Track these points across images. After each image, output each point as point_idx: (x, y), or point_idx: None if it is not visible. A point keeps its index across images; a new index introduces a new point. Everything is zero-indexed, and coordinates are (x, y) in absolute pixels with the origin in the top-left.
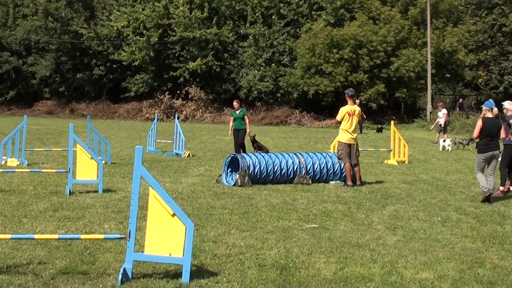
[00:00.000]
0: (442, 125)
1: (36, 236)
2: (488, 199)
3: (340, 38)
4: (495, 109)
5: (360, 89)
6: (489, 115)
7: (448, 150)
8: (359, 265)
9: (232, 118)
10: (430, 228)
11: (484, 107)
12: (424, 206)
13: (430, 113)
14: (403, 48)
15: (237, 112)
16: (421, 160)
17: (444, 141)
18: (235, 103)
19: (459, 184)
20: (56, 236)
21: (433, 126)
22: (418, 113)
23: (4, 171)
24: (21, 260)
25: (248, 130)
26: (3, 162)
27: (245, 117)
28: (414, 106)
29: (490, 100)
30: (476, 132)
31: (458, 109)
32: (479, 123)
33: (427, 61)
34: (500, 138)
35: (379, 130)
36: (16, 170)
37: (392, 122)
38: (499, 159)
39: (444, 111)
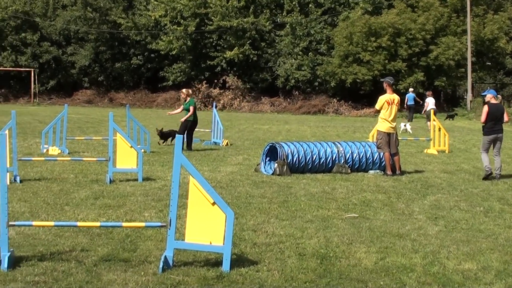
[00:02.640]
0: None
1: (78, 223)
2: (488, 177)
3: (378, 26)
4: (499, 96)
5: (398, 78)
6: (493, 101)
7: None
8: (400, 255)
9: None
10: (472, 218)
11: (489, 95)
12: (466, 196)
13: (471, 101)
14: (442, 36)
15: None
16: (462, 150)
17: (405, 125)
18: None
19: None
20: (98, 224)
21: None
22: (458, 101)
23: (46, 160)
24: (64, 247)
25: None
26: (44, 150)
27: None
28: (454, 95)
29: (492, 89)
30: (483, 117)
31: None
32: (486, 109)
33: (467, 49)
34: (504, 121)
35: (451, 117)
36: (58, 158)
37: (431, 111)
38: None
39: (431, 100)
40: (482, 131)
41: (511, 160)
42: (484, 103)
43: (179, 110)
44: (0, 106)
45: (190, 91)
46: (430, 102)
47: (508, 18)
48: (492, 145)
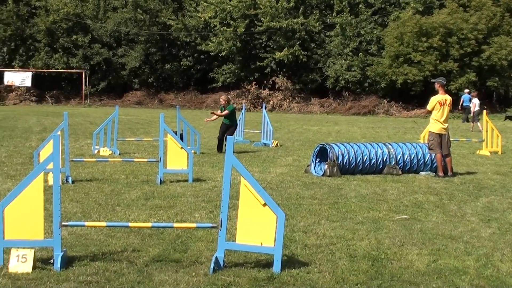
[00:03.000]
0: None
1: (130, 224)
2: None
3: (429, 26)
4: None
5: (450, 78)
6: None
7: None
8: (453, 257)
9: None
10: None
11: None
12: None
13: None
14: (495, 36)
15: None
16: None
17: None
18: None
19: None
20: (149, 224)
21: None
22: (511, 102)
23: (97, 161)
24: (116, 247)
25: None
26: (96, 151)
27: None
28: (506, 95)
29: None
30: None
31: None
32: None
33: None
34: None
35: (510, 118)
36: (109, 159)
37: (484, 112)
38: None
39: (477, 100)
40: None
41: None
42: None
43: (214, 117)
44: (51, 107)
45: (229, 97)
46: (476, 103)
47: None
48: None
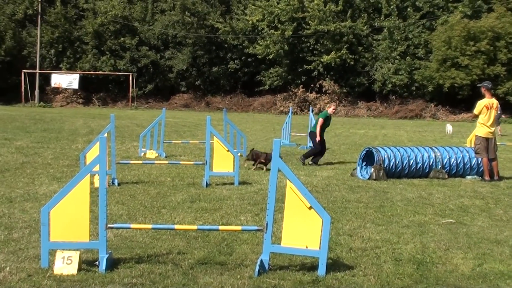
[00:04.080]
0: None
1: (176, 226)
2: None
3: (477, 30)
4: None
5: (497, 82)
6: None
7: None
8: (498, 261)
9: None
10: None
11: None
12: None
13: None
14: None
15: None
16: None
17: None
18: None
19: None
20: (195, 227)
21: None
22: None
23: (143, 163)
24: (161, 249)
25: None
26: (142, 154)
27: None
28: None
29: None
30: None
31: None
32: None
33: None
34: None
35: None
36: (155, 162)
37: None
38: None
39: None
40: None
41: None
42: None
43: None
44: (98, 109)
45: (329, 104)
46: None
47: None
48: None
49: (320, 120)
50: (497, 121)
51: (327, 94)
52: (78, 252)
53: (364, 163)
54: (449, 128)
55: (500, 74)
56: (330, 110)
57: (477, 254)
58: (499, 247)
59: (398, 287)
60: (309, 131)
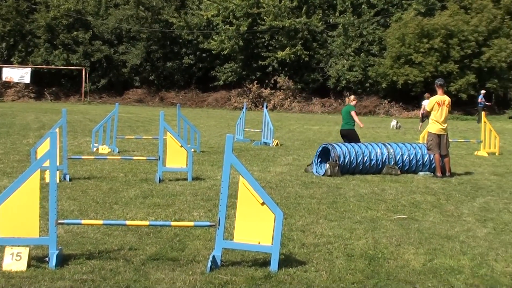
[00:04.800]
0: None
1: (127, 222)
2: None
3: (430, 27)
4: None
5: (450, 80)
6: None
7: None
8: (448, 257)
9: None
10: None
11: None
12: None
13: None
14: (495, 38)
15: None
16: None
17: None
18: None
19: None
20: (147, 223)
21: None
22: (510, 104)
23: (96, 158)
24: (113, 245)
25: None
26: (94, 149)
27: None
28: (505, 97)
29: None
30: None
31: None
32: None
33: None
34: None
35: None
36: (108, 157)
37: (483, 113)
38: None
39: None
40: None
41: None
42: None
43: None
44: (51, 104)
45: (347, 99)
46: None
47: None
48: None
49: (354, 112)
50: (423, 119)
51: (282, 90)
52: (28, 248)
53: (319, 159)
54: (393, 123)
55: (453, 71)
56: (353, 103)
57: (428, 250)
58: (449, 243)
59: (349, 282)
60: (341, 129)
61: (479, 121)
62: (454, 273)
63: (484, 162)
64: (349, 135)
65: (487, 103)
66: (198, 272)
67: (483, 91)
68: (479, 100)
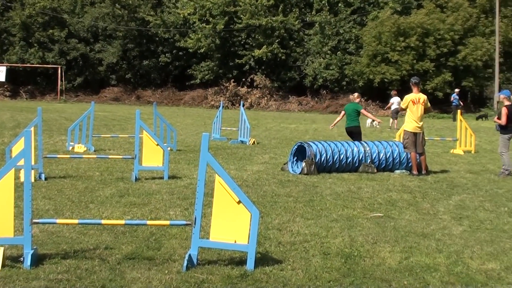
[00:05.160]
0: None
1: (103, 221)
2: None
3: (406, 26)
4: None
5: (426, 78)
6: (507, 102)
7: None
8: (424, 254)
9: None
10: (497, 218)
11: (502, 96)
12: (491, 196)
13: (497, 102)
14: (471, 37)
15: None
16: (488, 150)
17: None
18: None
19: None
20: (122, 222)
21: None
22: (485, 102)
23: (71, 157)
24: (88, 245)
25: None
26: (70, 148)
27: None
28: (481, 96)
29: (506, 89)
30: (504, 120)
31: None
32: (505, 111)
33: (494, 49)
34: None
35: (484, 117)
36: (83, 156)
37: (458, 111)
38: None
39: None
40: (499, 131)
41: None
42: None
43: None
44: (26, 103)
45: (351, 96)
46: (395, 102)
47: None
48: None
49: (364, 110)
50: (394, 115)
51: (259, 89)
52: (2, 248)
53: (295, 158)
54: (369, 121)
55: (429, 69)
56: (357, 100)
57: (404, 248)
58: (425, 241)
59: (325, 280)
60: (348, 126)
61: (454, 119)
62: (430, 271)
63: (460, 160)
64: (356, 132)
65: (461, 102)
66: (174, 271)
67: (457, 90)
68: (451, 99)
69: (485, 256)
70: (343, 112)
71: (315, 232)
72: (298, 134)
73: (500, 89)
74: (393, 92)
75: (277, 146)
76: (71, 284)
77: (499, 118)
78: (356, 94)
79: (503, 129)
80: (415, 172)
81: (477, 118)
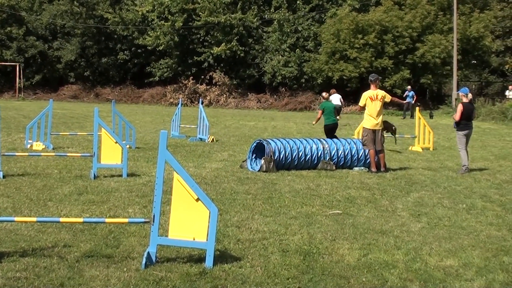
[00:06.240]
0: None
1: (61, 219)
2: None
3: (365, 23)
4: (470, 95)
5: (385, 75)
6: (465, 100)
7: None
8: (383, 251)
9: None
10: (455, 215)
11: (460, 93)
12: (449, 193)
13: (456, 99)
14: (429, 34)
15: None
16: (446, 147)
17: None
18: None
19: (484, 171)
20: (81, 220)
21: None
22: (443, 99)
23: (29, 155)
24: (46, 243)
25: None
26: (28, 146)
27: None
28: (439, 93)
29: (465, 87)
30: (458, 116)
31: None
32: (460, 107)
33: (453, 47)
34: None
35: (431, 116)
36: (42, 154)
37: (417, 108)
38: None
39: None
40: (455, 127)
41: (493, 158)
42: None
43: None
44: None
45: (326, 94)
46: (334, 99)
47: (494, 17)
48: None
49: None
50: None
51: (217, 86)
52: None
53: (254, 155)
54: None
55: (387, 67)
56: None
57: (363, 245)
58: (384, 237)
59: (284, 278)
60: (328, 123)
61: (411, 116)
62: (389, 267)
63: (418, 157)
64: (335, 129)
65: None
66: (133, 269)
67: (409, 87)
68: (404, 95)
69: (443, 253)
70: (321, 111)
71: (274, 229)
72: (257, 131)
73: (458, 86)
74: (332, 91)
75: (236, 144)
76: (30, 282)
77: None
78: (324, 94)
79: (458, 125)
80: (373, 169)
81: (430, 117)
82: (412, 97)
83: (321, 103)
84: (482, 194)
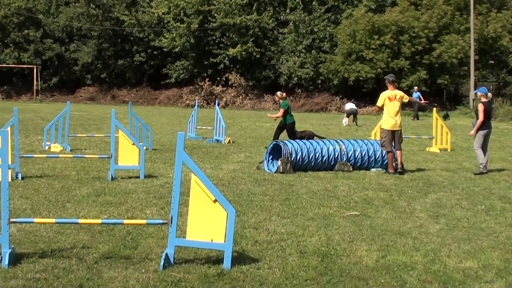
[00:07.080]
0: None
1: (80, 220)
2: (482, 174)
3: (381, 24)
4: (489, 94)
5: (401, 76)
6: (484, 99)
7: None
8: (401, 253)
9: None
10: (474, 216)
11: (479, 93)
12: (468, 194)
13: (473, 100)
14: (446, 34)
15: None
16: (464, 148)
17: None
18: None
19: (502, 172)
20: (99, 221)
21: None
22: (461, 100)
23: (48, 157)
24: (65, 244)
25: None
26: (46, 147)
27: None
28: (456, 93)
29: (483, 87)
30: (481, 115)
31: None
32: (482, 107)
33: (470, 47)
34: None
35: (446, 117)
36: (60, 155)
37: (434, 109)
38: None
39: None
40: (474, 125)
41: None
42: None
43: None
44: (2, 103)
45: (284, 94)
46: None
47: (511, 17)
48: (484, 140)
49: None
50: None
51: (233, 87)
52: None
53: (271, 156)
54: (344, 120)
55: (404, 67)
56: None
57: (381, 246)
58: (402, 239)
59: (302, 279)
60: (291, 122)
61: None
62: (407, 269)
63: (436, 158)
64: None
65: (425, 102)
66: (151, 270)
67: (416, 88)
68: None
69: (462, 254)
70: (283, 110)
71: (291, 231)
72: (273, 133)
73: (475, 87)
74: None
75: (252, 145)
76: (49, 283)
77: (477, 115)
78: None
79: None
80: (391, 170)
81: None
82: (419, 98)
83: (281, 103)
84: (501, 195)
